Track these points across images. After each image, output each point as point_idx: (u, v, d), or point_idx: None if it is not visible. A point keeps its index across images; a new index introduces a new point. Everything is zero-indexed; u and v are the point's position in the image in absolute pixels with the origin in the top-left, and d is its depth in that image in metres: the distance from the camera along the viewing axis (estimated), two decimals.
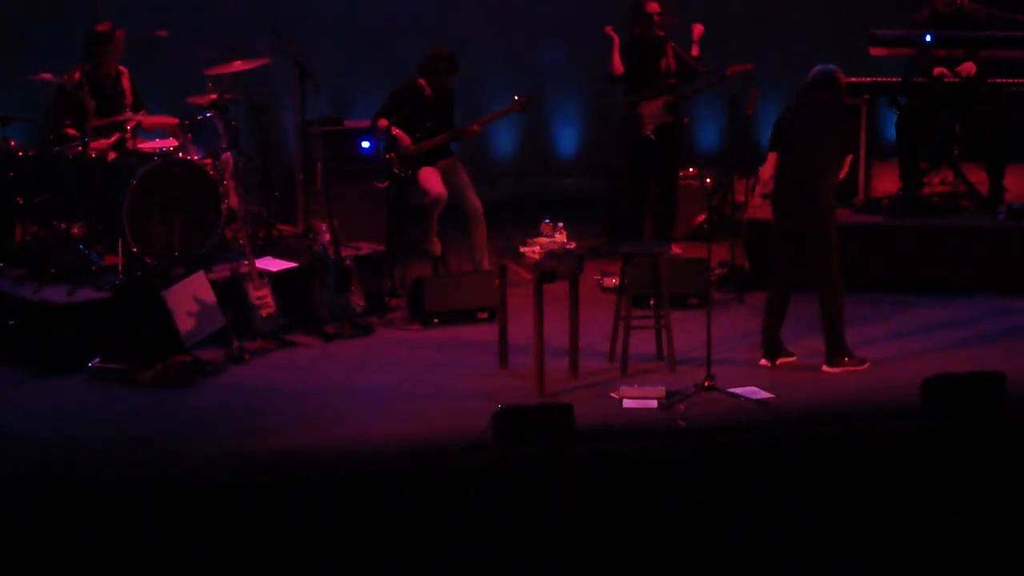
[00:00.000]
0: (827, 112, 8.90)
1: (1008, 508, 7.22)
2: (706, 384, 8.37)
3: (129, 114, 10.15)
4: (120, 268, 9.53)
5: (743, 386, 8.51)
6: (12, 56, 11.25)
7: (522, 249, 8.87)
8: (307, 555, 6.70)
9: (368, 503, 6.98)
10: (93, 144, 9.87)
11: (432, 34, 11.84)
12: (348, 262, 9.85)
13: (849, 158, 9.06)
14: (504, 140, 13.93)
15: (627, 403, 8.38)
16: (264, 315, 9.50)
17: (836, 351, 8.89)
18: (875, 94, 11.36)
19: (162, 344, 8.89)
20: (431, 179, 10.58)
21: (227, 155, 10.30)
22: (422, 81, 10.69)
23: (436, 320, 10.04)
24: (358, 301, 9.87)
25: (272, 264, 9.93)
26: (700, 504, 7.12)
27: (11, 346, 9.26)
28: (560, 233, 8.92)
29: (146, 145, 10.12)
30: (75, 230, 9.84)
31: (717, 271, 10.65)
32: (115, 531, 6.62)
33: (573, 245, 8.95)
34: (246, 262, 9.54)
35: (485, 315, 10.04)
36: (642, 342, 9.13)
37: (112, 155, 9.99)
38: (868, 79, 11.16)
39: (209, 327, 9.20)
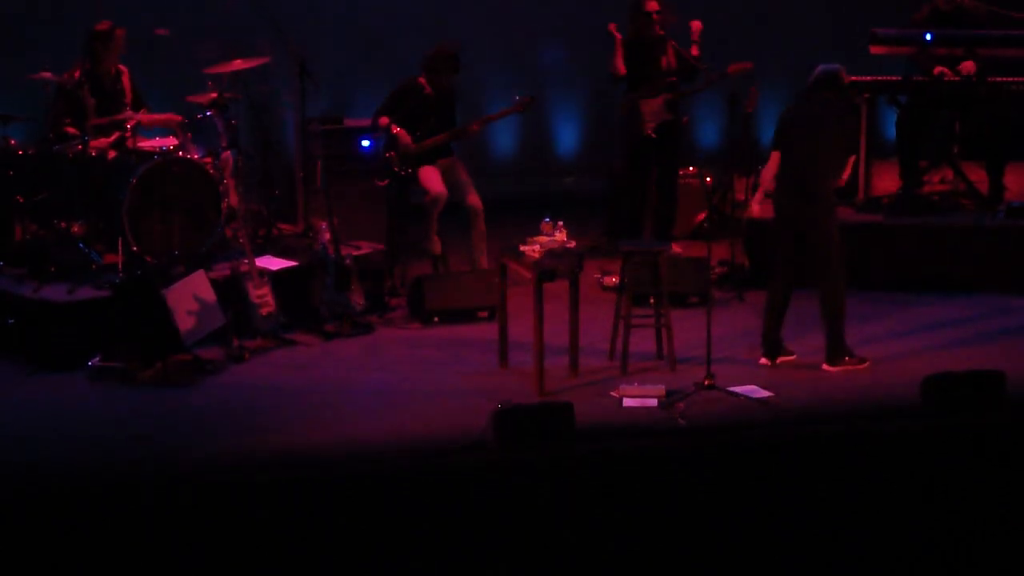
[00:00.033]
0: (828, 111, 8.90)
1: (1008, 506, 7.22)
2: (706, 383, 8.37)
3: (129, 113, 10.15)
4: (120, 267, 9.53)
5: (743, 385, 8.51)
6: (12, 56, 11.26)
7: (522, 248, 8.88)
8: (307, 554, 6.70)
9: (368, 502, 6.97)
10: (93, 143, 9.87)
11: (432, 34, 11.85)
12: (348, 261, 9.85)
13: (852, 159, 9.05)
14: (504, 139, 13.94)
15: (627, 402, 8.38)
16: (264, 314, 9.50)
17: (836, 350, 8.89)
18: (875, 93, 11.37)
19: (162, 343, 8.89)
20: (431, 178, 10.59)
21: (227, 154, 10.31)
22: (422, 80, 10.70)
23: (436, 319, 10.04)
24: (358, 300, 9.87)
25: (272, 263, 9.93)
26: (700, 503, 7.12)
27: (11, 345, 9.27)
28: (560, 232, 8.92)
29: (146, 144, 10.13)
30: (75, 229, 9.84)
31: (717, 270, 10.65)
32: (115, 530, 6.61)
33: (573, 244, 8.95)
34: (246, 261, 9.54)
35: (485, 314, 10.04)
36: (642, 341, 9.13)
37: (112, 154, 9.99)
38: (868, 78, 11.17)
39: (209, 326, 9.20)
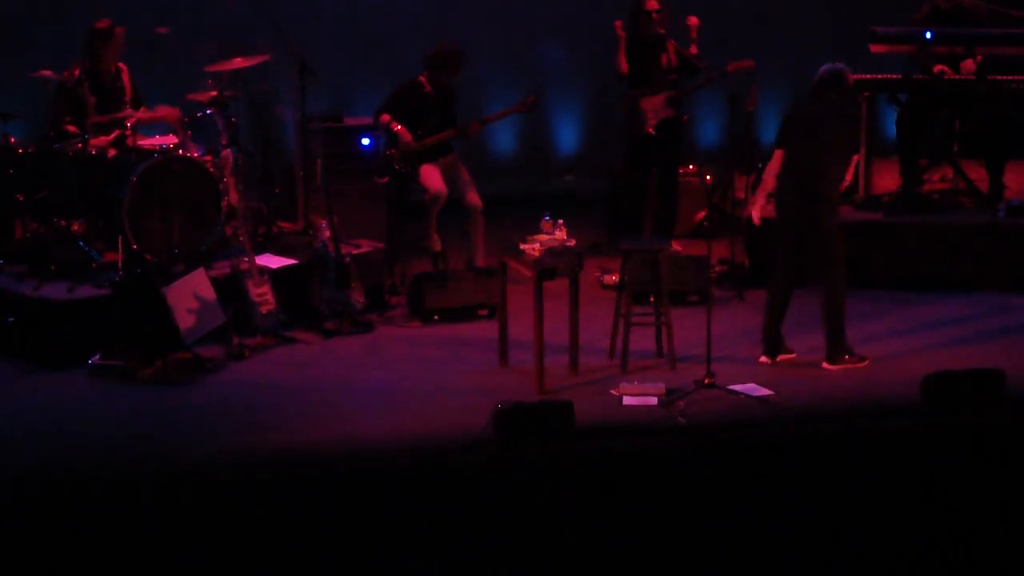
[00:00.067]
0: (829, 111, 8.88)
1: (1008, 505, 7.22)
2: (706, 381, 8.37)
3: (129, 111, 10.15)
4: (120, 265, 9.53)
5: (743, 383, 8.51)
6: (12, 56, 11.25)
7: (522, 246, 8.88)
8: (307, 552, 6.70)
9: (368, 500, 6.98)
10: (93, 141, 9.87)
11: (432, 34, 11.85)
12: (348, 259, 9.85)
13: (855, 158, 9.03)
14: (504, 138, 13.93)
15: (627, 400, 8.38)
16: (264, 312, 9.50)
17: (836, 348, 8.89)
18: (875, 91, 11.36)
19: (162, 341, 8.89)
20: (432, 176, 10.59)
21: (227, 152, 10.30)
22: (422, 78, 10.70)
23: (436, 317, 10.04)
24: (358, 298, 9.88)
25: (272, 261, 9.93)
26: (700, 501, 7.12)
27: (11, 343, 9.26)
28: (560, 230, 8.92)
29: (146, 142, 10.13)
30: (75, 227, 9.85)
31: (717, 268, 10.64)
32: (115, 528, 6.61)
33: (573, 242, 8.95)
34: (246, 259, 9.54)
35: (485, 312, 10.04)
36: (642, 339, 9.13)
37: (112, 152, 9.99)
38: (868, 76, 11.16)
39: (209, 324, 9.20)
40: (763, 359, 9.03)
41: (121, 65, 10.31)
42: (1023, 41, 11.18)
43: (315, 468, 7.33)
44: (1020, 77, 11.09)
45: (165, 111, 10.24)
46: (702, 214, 11.71)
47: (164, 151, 9.93)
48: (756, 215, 9.13)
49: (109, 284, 9.32)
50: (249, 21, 11.23)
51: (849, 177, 9.02)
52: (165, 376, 8.78)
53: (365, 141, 11.23)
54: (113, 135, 10.04)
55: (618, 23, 11.19)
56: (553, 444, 7.43)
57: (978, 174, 11.37)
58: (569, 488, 7.13)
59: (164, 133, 10.29)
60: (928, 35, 11.06)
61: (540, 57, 13.86)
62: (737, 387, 8.43)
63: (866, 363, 8.92)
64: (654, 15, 11.12)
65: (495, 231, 10.63)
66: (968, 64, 11.06)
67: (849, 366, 8.88)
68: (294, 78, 10.90)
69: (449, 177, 10.63)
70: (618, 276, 9.43)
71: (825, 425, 7.93)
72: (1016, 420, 7.91)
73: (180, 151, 9.98)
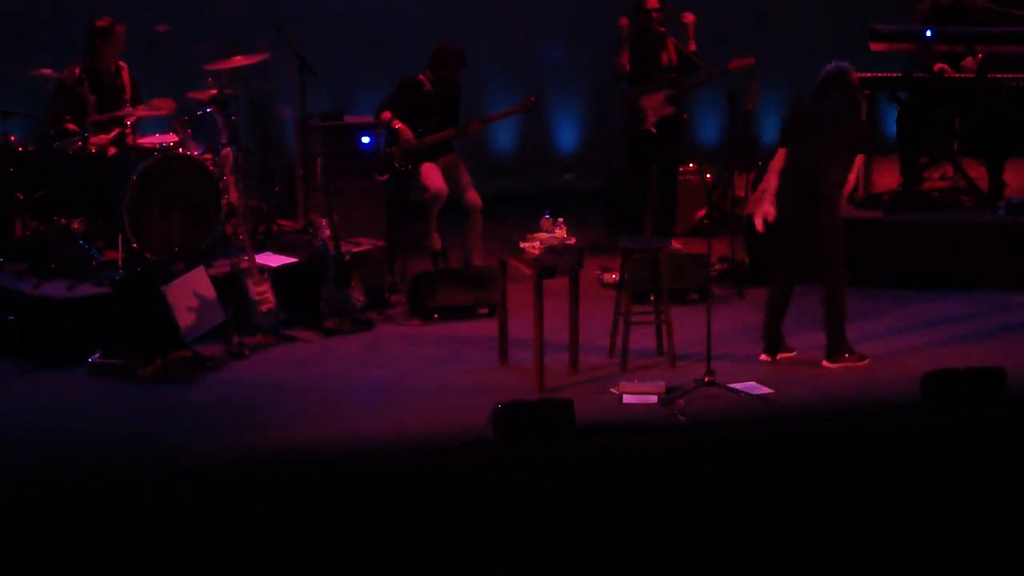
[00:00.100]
0: (830, 110, 8.86)
1: (1008, 503, 7.22)
2: (706, 379, 8.37)
3: (129, 109, 10.15)
4: (120, 263, 9.53)
5: (743, 381, 8.51)
6: (12, 55, 11.26)
7: (522, 244, 8.87)
8: (307, 550, 6.70)
9: (368, 498, 6.98)
10: (93, 139, 9.87)
11: (432, 34, 11.83)
12: (348, 257, 9.85)
13: (860, 158, 8.99)
14: (505, 137, 13.94)
15: (627, 398, 8.38)
16: (264, 310, 9.49)
17: (837, 346, 8.89)
18: (875, 89, 11.36)
19: (162, 339, 8.88)
20: (432, 175, 10.59)
21: (227, 150, 10.30)
22: (423, 77, 10.70)
23: (436, 316, 10.04)
24: (358, 296, 9.88)
25: (272, 259, 9.93)
26: (700, 499, 7.12)
27: (11, 341, 9.26)
28: (560, 228, 8.91)
29: (146, 140, 10.13)
30: (75, 225, 9.84)
31: (717, 266, 10.65)
32: (115, 526, 6.62)
33: (573, 240, 8.94)
34: (246, 257, 9.54)
35: (485, 311, 10.04)
36: (642, 338, 9.13)
37: (112, 150, 9.99)
38: (868, 74, 11.15)
39: (209, 322, 9.20)
40: (763, 357, 9.03)
41: (121, 63, 10.31)
42: (1023, 39, 11.18)
43: (315, 467, 7.32)
44: (1020, 75, 11.10)
45: (161, 103, 10.23)
46: (702, 212, 11.71)
47: (164, 149, 9.93)
48: (759, 222, 9.01)
49: (109, 282, 9.31)
50: (249, 20, 11.22)
51: (852, 178, 8.98)
52: (165, 374, 8.78)
53: (365, 139, 11.23)
54: (113, 133, 10.05)
55: (623, 19, 11.19)
56: (553, 442, 7.42)
57: (978, 172, 11.37)
58: (569, 486, 7.13)
59: (164, 131, 10.29)
60: (928, 33, 11.06)
61: (540, 57, 13.86)
62: (737, 385, 8.42)
63: (866, 361, 8.92)
64: (655, 14, 11.13)
65: (495, 229, 10.63)
66: (968, 62, 11.06)
67: (849, 364, 8.88)
68: (294, 76, 10.90)
69: (449, 176, 10.63)
70: (618, 274, 9.43)
71: (825, 423, 7.93)
72: (1016, 418, 7.90)
73: (180, 149, 9.98)
